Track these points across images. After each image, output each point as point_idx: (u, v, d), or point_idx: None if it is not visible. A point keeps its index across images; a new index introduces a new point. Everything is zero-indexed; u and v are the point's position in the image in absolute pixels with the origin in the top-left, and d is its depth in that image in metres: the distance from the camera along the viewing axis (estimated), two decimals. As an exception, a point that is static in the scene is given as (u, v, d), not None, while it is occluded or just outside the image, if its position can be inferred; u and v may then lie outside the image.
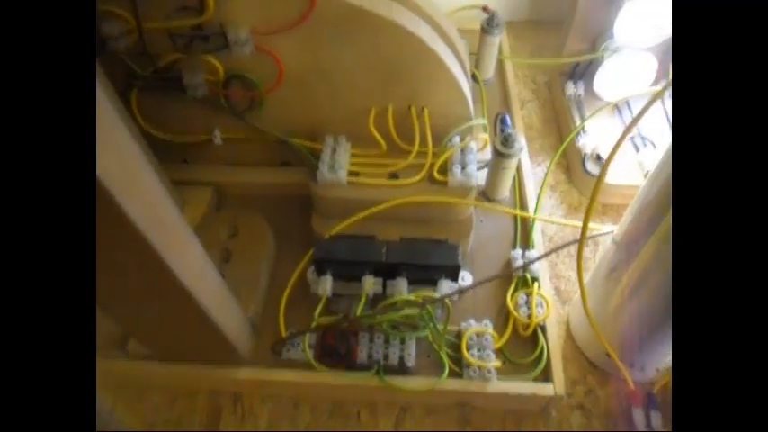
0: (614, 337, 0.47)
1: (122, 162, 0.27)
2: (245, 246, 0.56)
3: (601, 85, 0.68)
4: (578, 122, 0.68)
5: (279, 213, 0.60)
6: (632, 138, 0.65)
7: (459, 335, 0.50)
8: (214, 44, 0.49)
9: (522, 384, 0.48)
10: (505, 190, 0.61)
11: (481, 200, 0.61)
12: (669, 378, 0.50)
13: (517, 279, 0.55)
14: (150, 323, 0.43)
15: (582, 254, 0.41)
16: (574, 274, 0.59)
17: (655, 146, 0.64)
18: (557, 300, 0.58)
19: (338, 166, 0.54)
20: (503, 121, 0.67)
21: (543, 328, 0.51)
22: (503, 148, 0.54)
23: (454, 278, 0.50)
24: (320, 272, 0.50)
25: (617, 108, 0.69)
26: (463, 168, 0.53)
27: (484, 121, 0.61)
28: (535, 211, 0.60)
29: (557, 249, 0.56)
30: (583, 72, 0.70)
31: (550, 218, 0.64)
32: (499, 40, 0.69)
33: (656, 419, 0.48)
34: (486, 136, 0.60)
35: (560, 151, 0.69)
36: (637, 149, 0.65)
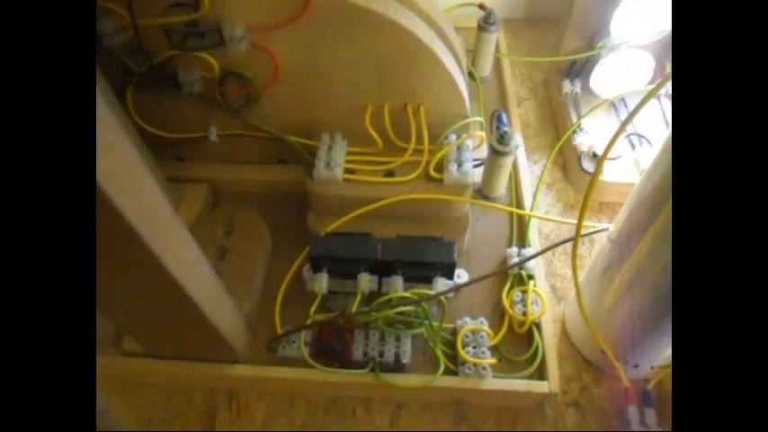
0: (609, 334, 0.48)
1: (116, 159, 0.26)
2: (241, 243, 0.56)
3: (597, 82, 0.68)
4: (575, 120, 0.68)
5: (275, 211, 0.60)
6: (628, 136, 0.65)
7: (454, 332, 0.50)
8: (209, 41, 0.49)
9: (518, 382, 0.48)
10: (501, 188, 0.61)
11: (477, 197, 0.61)
12: (663, 375, 0.50)
13: (513, 277, 0.55)
14: (145, 321, 0.43)
15: (577, 251, 0.41)
16: (569, 272, 0.60)
17: (651, 144, 0.64)
18: (552, 297, 0.58)
19: (334, 163, 0.53)
20: (499, 119, 0.66)
21: (538, 326, 0.51)
22: (499, 146, 0.54)
23: (450, 276, 0.50)
24: (316, 269, 0.50)
25: (613, 106, 0.69)
26: (459, 166, 0.53)
27: (480, 119, 0.61)
28: (531, 209, 0.60)
29: (552, 247, 0.56)
30: (580, 70, 0.70)
31: (546, 215, 0.64)
32: (496, 37, 0.69)
33: (651, 417, 0.48)
34: (482, 134, 0.60)
35: (557, 149, 0.69)
36: (633, 147, 0.65)
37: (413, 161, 0.54)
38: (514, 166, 0.63)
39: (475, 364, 0.48)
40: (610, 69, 0.66)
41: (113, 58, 0.50)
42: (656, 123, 0.66)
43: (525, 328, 0.51)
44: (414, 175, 0.54)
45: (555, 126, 0.74)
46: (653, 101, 0.69)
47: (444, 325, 0.49)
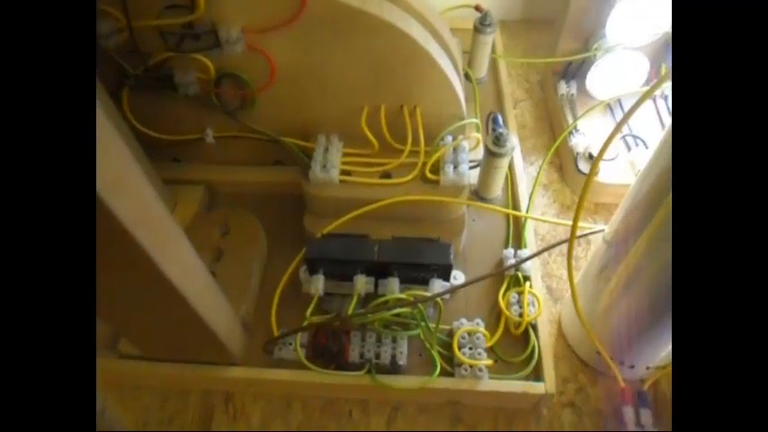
0: (605, 335, 0.48)
1: (112, 162, 0.26)
2: (237, 245, 0.56)
3: (593, 84, 0.68)
4: (571, 121, 0.68)
5: (271, 212, 0.60)
6: (624, 137, 0.66)
7: (450, 334, 0.50)
8: (205, 42, 0.49)
9: (514, 383, 0.48)
10: (498, 189, 0.61)
11: (473, 199, 0.61)
12: (659, 376, 0.50)
13: (509, 278, 0.55)
14: (140, 323, 0.43)
15: (572, 252, 0.41)
16: (566, 273, 0.60)
17: (646, 145, 0.65)
18: (548, 298, 0.58)
19: (330, 165, 0.53)
20: (495, 120, 0.67)
21: (535, 327, 0.51)
22: (494, 148, 0.55)
23: (446, 277, 0.50)
24: (312, 271, 0.50)
25: (609, 107, 0.70)
26: (455, 167, 0.53)
27: (476, 120, 0.61)
28: (527, 210, 0.60)
29: (548, 248, 0.56)
30: (575, 71, 0.71)
31: (542, 217, 0.64)
32: (492, 39, 0.70)
33: (646, 417, 0.48)
34: (478, 135, 0.60)
35: (552, 150, 0.69)
36: (629, 148, 0.65)
37: (409, 163, 0.54)
38: (510, 167, 0.63)
39: (471, 366, 0.48)
40: (605, 71, 0.67)
41: (109, 59, 0.50)
42: (652, 125, 0.67)
43: (521, 329, 0.51)
44: (410, 177, 0.54)
45: (551, 127, 0.74)
46: (648, 102, 0.69)
47: (441, 326, 0.49)
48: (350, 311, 0.48)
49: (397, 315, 0.47)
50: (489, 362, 0.48)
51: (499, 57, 0.76)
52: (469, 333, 0.50)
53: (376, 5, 0.48)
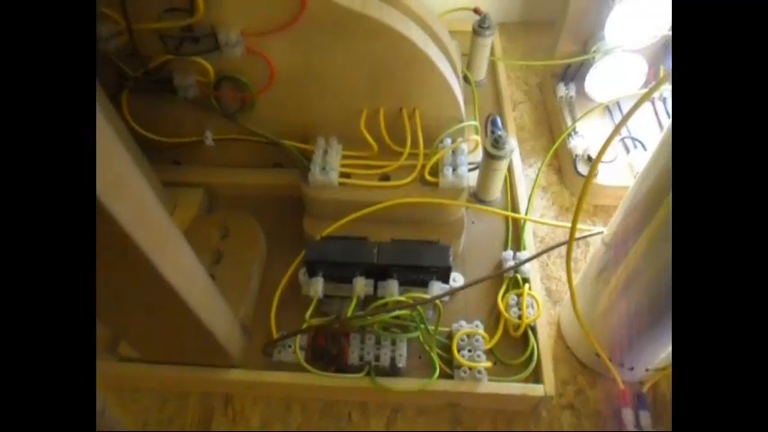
0: (604, 337, 0.48)
1: (111, 165, 0.27)
2: (237, 247, 0.56)
3: (592, 86, 0.68)
4: (570, 124, 0.68)
5: (270, 215, 0.60)
6: (623, 139, 0.66)
7: (450, 336, 0.50)
8: (205, 45, 0.49)
9: (513, 385, 0.48)
10: (497, 191, 0.61)
11: (472, 201, 0.61)
12: (658, 378, 0.50)
13: (508, 280, 0.55)
14: (140, 325, 0.43)
15: (571, 254, 0.41)
16: (565, 275, 0.60)
17: (645, 147, 0.65)
18: (548, 300, 0.58)
19: (330, 167, 0.54)
20: (494, 123, 0.67)
21: (534, 329, 0.51)
22: (493, 150, 0.55)
23: (445, 279, 0.50)
24: (311, 273, 0.50)
25: (608, 109, 0.70)
26: (454, 170, 0.53)
27: (475, 123, 0.61)
28: (526, 213, 0.60)
29: (547, 251, 0.57)
30: (574, 74, 0.71)
31: (541, 219, 0.64)
32: (491, 41, 0.70)
33: (646, 419, 0.48)
34: (477, 137, 0.60)
35: (551, 152, 0.69)
36: (627, 151, 0.65)
37: (408, 165, 0.55)
38: (509, 169, 0.64)
39: (470, 368, 0.48)
40: (604, 73, 0.67)
41: (109, 62, 0.50)
42: (651, 127, 0.67)
43: (521, 331, 0.51)
44: (409, 179, 0.54)
45: (550, 129, 0.74)
46: (647, 104, 0.69)
47: (440, 328, 0.49)
48: (349, 314, 0.48)
49: (397, 317, 0.47)
50: (488, 364, 0.48)
51: (498, 59, 0.77)
52: (469, 335, 0.50)
53: (375, 8, 0.48)
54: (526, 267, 0.54)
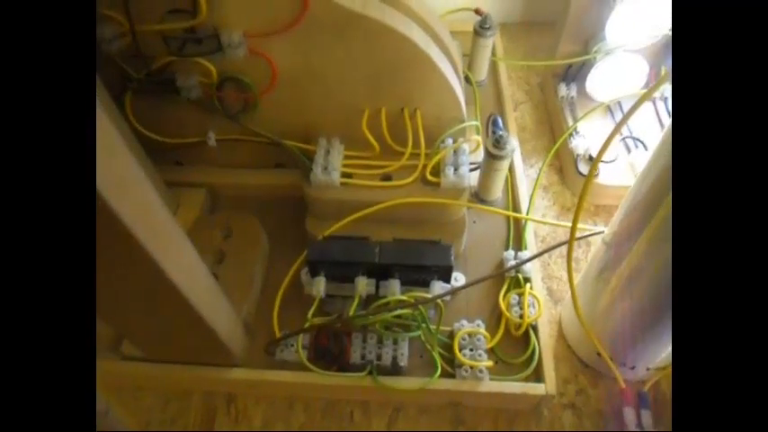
0: (605, 336, 0.48)
1: (114, 164, 0.27)
2: (239, 247, 0.56)
3: (593, 86, 0.69)
4: (571, 124, 0.68)
5: (272, 215, 0.60)
6: (624, 139, 0.66)
7: (451, 335, 0.51)
8: (207, 47, 0.50)
9: (514, 384, 0.48)
10: (498, 191, 0.62)
11: (474, 201, 0.61)
12: (660, 377, 0.50)
13: (509, 280, 0.55)
14: (143, 324, 0.43)
15: (572, 254, 0.41)
16: (566, 275, 0.60)
17: (646, 147, 0.65)
18: (549, 300, 0.58)
19: (332, 167, 0.54)
20: (495, 123, 0.67)
21: (535, 329, 0.51)
22: (494, 150, 0.55)
23: (447, 279, 0.50)
24: (314, 273, 0.51)
25: (609, 109, 0.70)
26: (456, 170, 0.54)
27: (476, 123, 0.61)
28: (527, 212, 0.61)
29: (548, 250, 0.57)
30: (575, 74, 0.71)
31: (543, 219, 0.64)
32: (492, 41, 0.70)
33: (647, 418, 0.48)
34: (478, 137, 0.60)
35: (552, 152, 0.69)
36: (629, 150, 0.65)
37: (410, 165, 0.55)
38: (511, 169, 0.64)
39: (472, 367, 0.48)
40: (605, 73, 0.67)
41: (112, 63, 0.51)
42: (652, 127, 0.67)
43: (522, 330, 0.51)
44: (411, 179, 0.54)
45: (551, 129, 0.74)
46: (648, 104, 0.69)
47: (441, 328, 0.49)
48: (351, 313, 0.48)
49: (399, 317, 0.47)
50: (490, 363, 0.48)
51: (499, 59, 0.77)
52: (470, 334, 0.50)
53: (377, 9, 0.48)
54: (527, 267, 0.55)
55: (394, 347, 0.49)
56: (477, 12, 0.71)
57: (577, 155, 0.65)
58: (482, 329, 0.50)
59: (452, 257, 0.49)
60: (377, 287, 0.50)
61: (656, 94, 0.69)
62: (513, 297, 0.53)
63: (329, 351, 0.48)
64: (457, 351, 0.49)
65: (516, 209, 0.61)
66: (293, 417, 0.51)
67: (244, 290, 0.53)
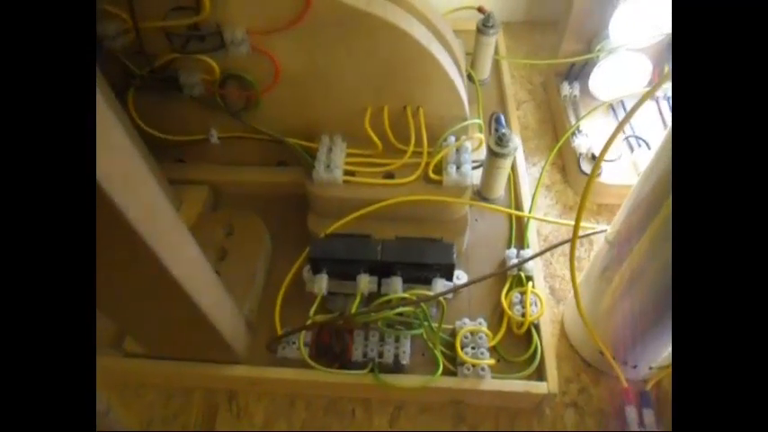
0: (607, 335, 0.48)
1: (117, 159, 0.27)
2: (241, 244, 0.56)
3: (596, 85, 0.68)
4: (573, 122, 0.68)
5: (275, 212, 0.60)
6: (627, 138, 0.66)
7: (453, 333, 0.50)
8: (210, 44, 0.50)
9: (516, 382, 0.48)
10: (500, 189, 0.62)
11: (476, 199, 0.61)
12: (662, 376, 0.50)
13: (512, 278, 0.55)
14: (146, 321, 0.43)
15: (574, 253, 0.41)
16: (568, 273, 0.60)
17: (649, 146, 0.65)
18: (551, 299, 0.58)
19: (334, 165, 0.54)
20: (497, 121, 0.67)
21: (537, 327, 0.51)
22: (497, 148, 0.55)
23: (449, 277, 0.50)
24: (316, 270, 0.51)
25: (612, 108, 0.70)
26: (458, 168, 0.54)
27: (479, 121, 0.61)
28: (530, 211, 0.60)
29: (550, 248, 0.57)
30: (578, 72, 0.71)
31: (545, 217, 0.64)
32: (495, 40, 0.70)
33: (649, 417, 0.48)
34: (481, 136, 0.60)
35: (555, 151, 0.69)
36: (632, 149, 0.65)
37: (412, 163, 0.55)
38: (513, 167, 0.64)
39: (474, 365, 0.48)
40: (608, 72, 0.67)
41: (115, 60, 0.51)
42: (655, 126, 0.67)
43: (524, 329, 0.51)
44: (413, 177, 0.54)
45: (554, 128, 0.74)
46: (651, 103, 0.69)
47: (443, 326, 0.49)
48: (353, 311, 0.48)
49: (400, 314, 0.47)
50: (492, 361, 0.48)
51: (502, 58, 0.77)
52: (472, 332, 0.50)
53: (380, 7, 0.48)
54: (530, 265, 0.55)
55: (396, 345, 0.49)
56: (480, 10, 0.71)
57: (580, 153, 0.65)
58: (484, 328, 0.50)
59: (454, 255, 0.49)
60: (379, 285, 0.50)
61: (659, 93, 0.69)
62: (516, 295, 0.53)
63: (331, 348, 0.48)
64: (459, 349, 0.49)
65: (519, 207, 0.61)
66: (295, 414, 0.51)
67: (246, 287, 0.53)
